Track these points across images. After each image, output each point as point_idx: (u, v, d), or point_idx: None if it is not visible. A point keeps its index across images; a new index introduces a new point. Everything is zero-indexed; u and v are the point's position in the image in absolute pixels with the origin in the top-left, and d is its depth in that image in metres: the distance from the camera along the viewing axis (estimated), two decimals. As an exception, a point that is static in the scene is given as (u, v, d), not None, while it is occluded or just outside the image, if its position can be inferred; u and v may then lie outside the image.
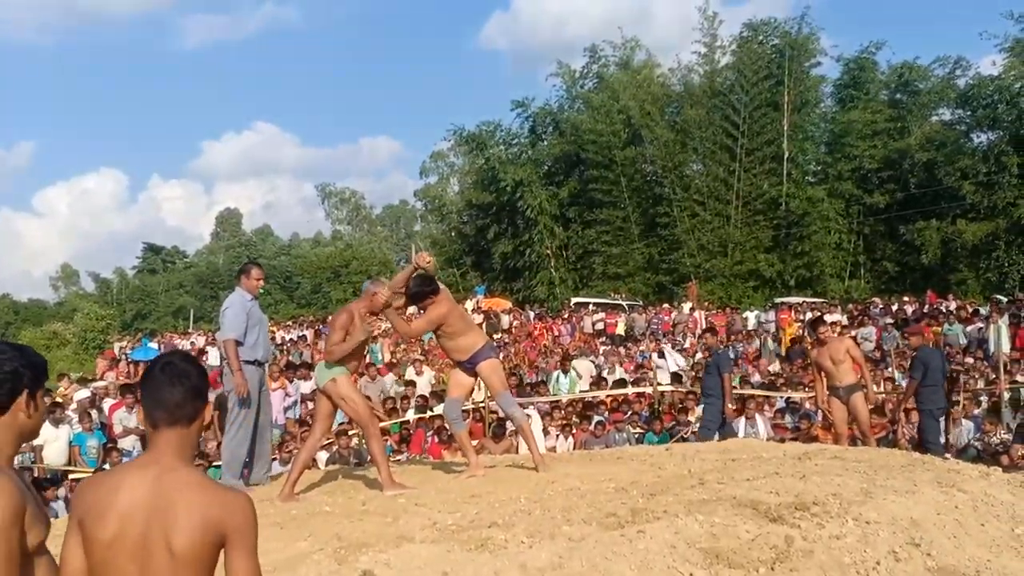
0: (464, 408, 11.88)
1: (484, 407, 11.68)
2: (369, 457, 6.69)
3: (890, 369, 13.74)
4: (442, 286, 6.03)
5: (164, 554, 1.91)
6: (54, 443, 9.71)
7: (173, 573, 1.92)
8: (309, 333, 23.30)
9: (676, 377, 13.72)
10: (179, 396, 2.02)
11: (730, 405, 9.65)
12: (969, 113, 29.21)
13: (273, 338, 21.76)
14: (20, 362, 1.98)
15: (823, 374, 8.43)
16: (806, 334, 14.44)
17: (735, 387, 10.88)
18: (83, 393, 11.96)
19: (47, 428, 9.75)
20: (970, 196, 27.15)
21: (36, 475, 9.23)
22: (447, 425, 7.00)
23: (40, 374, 2.04)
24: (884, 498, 4.32)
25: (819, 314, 14.55)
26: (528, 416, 8.19)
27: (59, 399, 11.59)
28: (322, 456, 10.13)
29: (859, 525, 3.97)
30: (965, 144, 29.03)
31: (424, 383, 14.12)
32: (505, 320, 23.68)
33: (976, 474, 5.15)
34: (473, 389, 6.22)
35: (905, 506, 4.24)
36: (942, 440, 9.22)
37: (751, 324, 21.41)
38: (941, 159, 28.33)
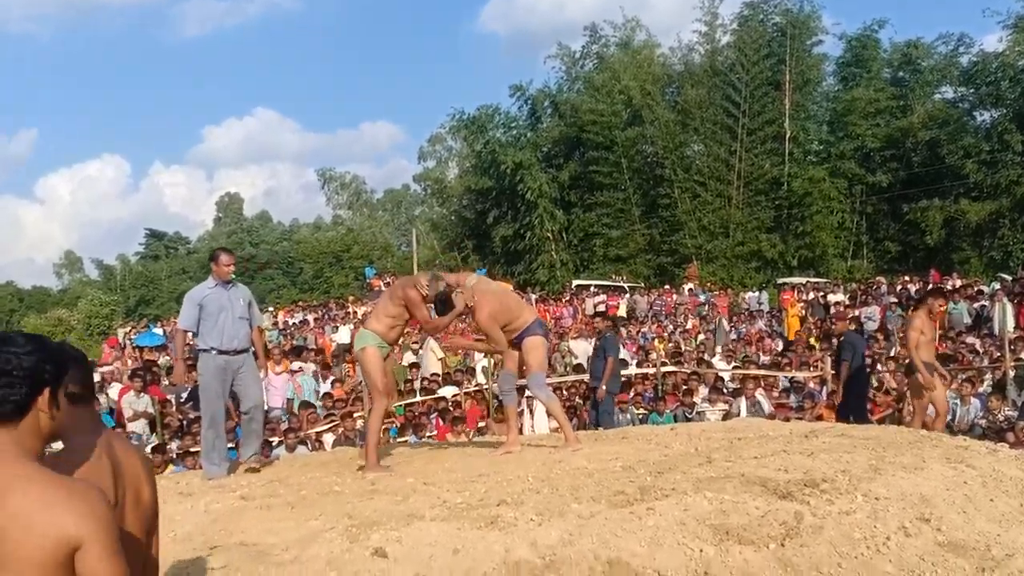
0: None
1: (487, 389, 11.71)
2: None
3: (895, 349, 13.75)
4: (475, 279, 6.14)
5: None
6: (62, 427, 9.71)
7: None
8: (311, 317, 23.33)
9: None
10: None
11: (603, 387, 9.75)
12: (972, 91, 29.06)
13: (276, 322, 21.82)
14: (39, 356, 1.78)
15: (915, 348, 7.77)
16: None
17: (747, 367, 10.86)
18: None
19: (55, 412, 9.74)
20: (973, 175, 27.05)
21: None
22: (499, 397, 7.05)
23: (62, 369, 1.85)
24: (893, 474, 4.33)
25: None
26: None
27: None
28: (328, 438, 10.19)
29: (869, 501, 3.98)
30: (968, 122, 28.90)
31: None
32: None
33: (984, 450, 5.16)
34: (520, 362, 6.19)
35: (914, 482, 4.25)
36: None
37: (752, 305, 21.44)
38: (944, 138, 28.19)
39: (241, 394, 6.22)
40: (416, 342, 15.70)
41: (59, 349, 1.89)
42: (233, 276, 6.28)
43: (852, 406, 9.15)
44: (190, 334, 6.26)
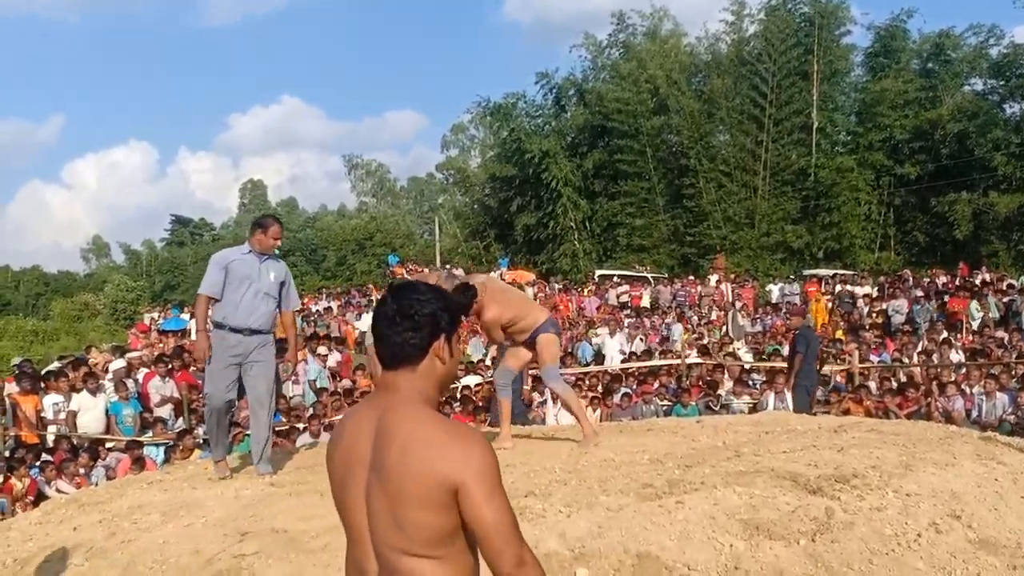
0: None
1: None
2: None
3: (923, 342, 13.59)
4: (484, 278, 6.16)
5: None
6: (91, 411, 9.84)
7: None
8: (335, 304, 23.48)
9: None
10: None
11: (526, 387, 10.06)
12: (1002, 83, 28.51)
13: (301, 309, 21.97)
14: (438, 305, 1.90)
15: None
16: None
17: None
18: (119, 363, 12.14)
19: (84, 396, 9.89)
20: (1002, 167, 26.58)
21: (74, 443, 9.41)
22: (495, 389, 7.08)
23: (456, 318, 1.96)
24: (924, 470, 4.30)
25: None
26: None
27: (93, 369, 11.79)
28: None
29: (899, 497, 3.95)
30: (998, 114, 28.36)
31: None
32: (529, 292, 23.67)
33: (1015, 447, 5.10)
34: (527, 361, 6.25)
35: (945, 478, 4.21)
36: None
37: (775, 297, 21.25)
38: (973, 130, 27.72)
39: (247, 385, 5.42)
40: None
41: (455, 300, 1.98)
42: (278, 251, 5.57)
43: (797, 399, 9.27)
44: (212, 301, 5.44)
